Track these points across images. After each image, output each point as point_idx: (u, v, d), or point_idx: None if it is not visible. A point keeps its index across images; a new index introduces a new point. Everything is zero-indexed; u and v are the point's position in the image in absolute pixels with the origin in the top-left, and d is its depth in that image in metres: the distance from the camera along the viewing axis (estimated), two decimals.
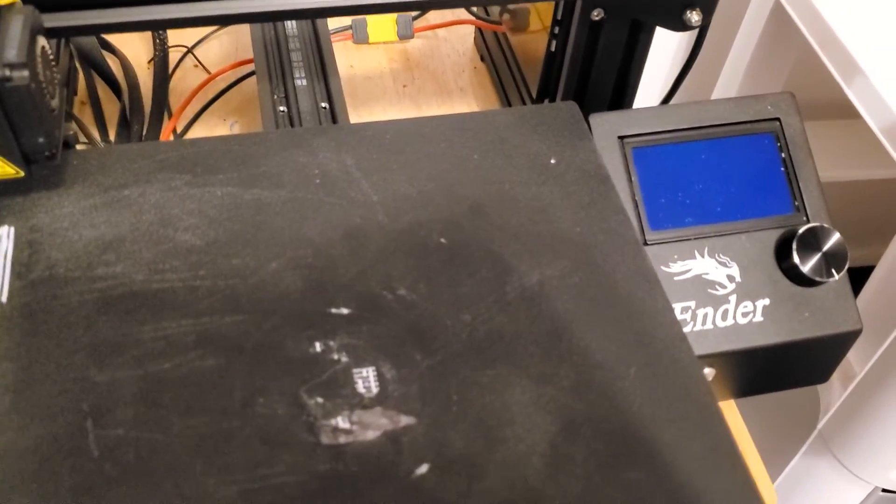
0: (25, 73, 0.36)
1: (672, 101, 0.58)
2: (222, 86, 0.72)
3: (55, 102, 0.40)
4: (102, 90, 0.70)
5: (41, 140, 0.38)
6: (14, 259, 0.40)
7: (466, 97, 0.73)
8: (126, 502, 0.32)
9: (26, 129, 0.37)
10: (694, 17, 0.49)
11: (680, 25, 0.50)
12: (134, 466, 0.33)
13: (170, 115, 0.69)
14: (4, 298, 0.39)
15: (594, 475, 0.34)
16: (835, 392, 0.82)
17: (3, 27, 0.36)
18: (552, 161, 0.46)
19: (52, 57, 0.40)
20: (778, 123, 0.52)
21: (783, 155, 0.52)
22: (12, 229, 0.41)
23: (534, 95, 0.59)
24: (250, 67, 0.72)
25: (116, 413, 0.35)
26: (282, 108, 0.55)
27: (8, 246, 0.41)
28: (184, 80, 0.73)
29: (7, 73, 0.35)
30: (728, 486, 0.34)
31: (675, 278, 0.48)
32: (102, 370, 0.36)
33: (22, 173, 0.39)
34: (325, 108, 0.55)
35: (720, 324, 0.47)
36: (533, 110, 0.50)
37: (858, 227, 0.74)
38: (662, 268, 0.48)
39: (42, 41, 0.39)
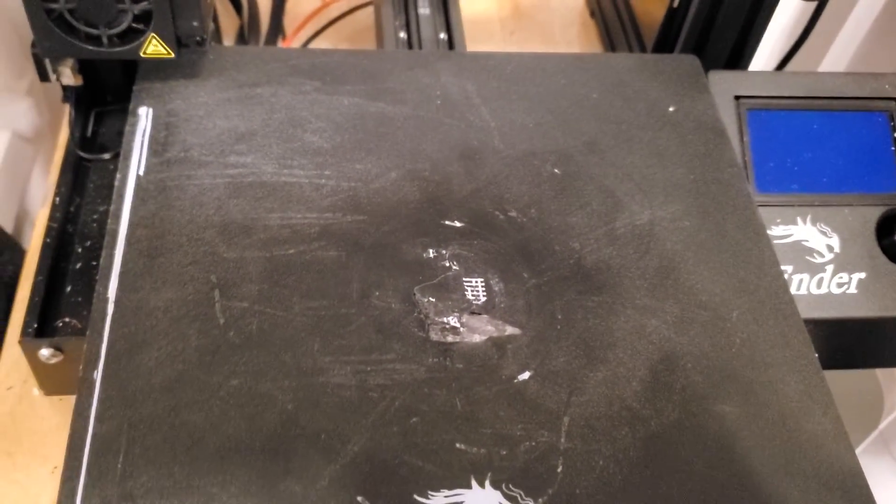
0: None
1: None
2: (335, 14, 0.73)
3: None
4: (220, 3, 0.72)
5: (195, 23, 0.40)
6: (152, 138, 0.42)
7: (573, 51, 0.73)
8: (247, 368, 0.34)
9: (185, 11, 0.39)
10: None
11: None
12: (256, 337, 0.35)
13: (283, 37, 0.71)
14: (142, 171, 0.41)
15: (690, 404, 0.35)
16: None
17: None
18: (671, 109, 0.47)
19: None
20: (895, 103, 0.52)
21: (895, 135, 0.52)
22: (151, 110, 0.44)
23: (648, 52, 0.59)
24: None
25: (242, 287, 0.37)
26: (402, 34, 0.56)
27: (146, 125, 0.43)
28: (298, 5, 0.75)
29: None
30: (818, 428, 0.35)
31: (776, 241, 0.48)
32: (231, 248, 0.38)
33: (172, 55, 0.41)
34: (444, 38, 0.56)
35: (814, 291, 0.48)
36: (654, 58, 0.50)
37: None
38: None
39: None
